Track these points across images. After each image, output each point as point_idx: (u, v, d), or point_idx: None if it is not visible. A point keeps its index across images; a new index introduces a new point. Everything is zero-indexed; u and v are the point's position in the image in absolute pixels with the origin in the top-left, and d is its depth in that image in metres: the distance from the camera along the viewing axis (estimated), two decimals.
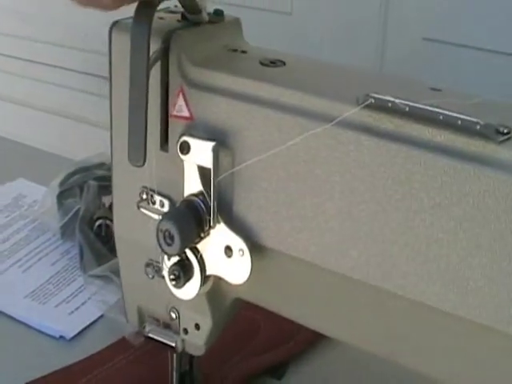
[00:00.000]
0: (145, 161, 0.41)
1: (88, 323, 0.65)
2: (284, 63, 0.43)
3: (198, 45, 0.43)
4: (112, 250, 0.72)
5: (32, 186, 0.87)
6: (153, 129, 0.43)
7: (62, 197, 0.77)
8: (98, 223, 0.74)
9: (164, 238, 0.41)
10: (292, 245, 0.41)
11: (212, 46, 0.44)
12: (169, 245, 0.41)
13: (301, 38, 0.81)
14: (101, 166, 0.80)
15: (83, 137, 1.00)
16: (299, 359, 0.62)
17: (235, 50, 0.44)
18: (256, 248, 0.42)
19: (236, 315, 0.50)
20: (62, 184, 0.78)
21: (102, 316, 0.66)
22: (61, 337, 0.64)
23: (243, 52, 0.44)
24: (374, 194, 0.37)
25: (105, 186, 0.78)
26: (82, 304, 0.68)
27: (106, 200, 0.78)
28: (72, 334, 0.64)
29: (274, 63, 0.42)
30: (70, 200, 0.76)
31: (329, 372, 0.61)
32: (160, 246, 0.41)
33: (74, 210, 0.75)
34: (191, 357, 0.53)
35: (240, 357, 0.61)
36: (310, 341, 0.63)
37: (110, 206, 0.77)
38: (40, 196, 0.81)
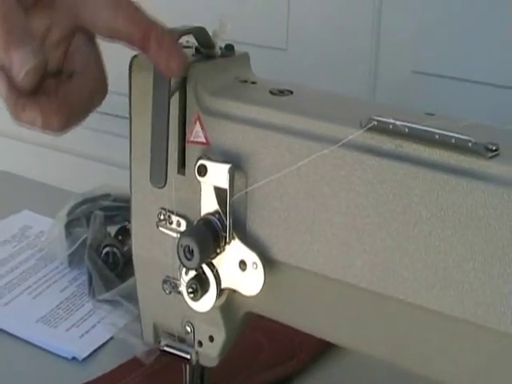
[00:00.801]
0: (165, 183, 0.45)
1: (99, 345, 0.68)
2: (291, 92, 0.47)
3: (213, 76, 0.47)
4: (119, 276, 0.75)
5: (37, 218, 0.90)
6: (171, 154, 0.47)
7: (69, 226, 0.80)
8: (105, 251, 0.77)
9: (184, 253, 0.44)
10: (302, 257, 0.44)
11: (225, 77, 0.48)
12: (188, 259, 0.44)
13: (296, 72, 0.85)
14: (106, 196, 0.83)
15: (83, 171, 1.04)
16: (303, 373, 0.65)
17: (245, 81, 0.48)
18: (268, 262, 0.45)
19: (246, 329, 0.53)
20: (69, 214, 0.81)
21: (112, 338, 0.69)
22: (73, 358, 0.66)
23: (253, 83, 0.48)
24: (376, 208, 0.41)
25: (110, 215, 0.82)
26: (92, 327, 0.70)
27: (111, 229, 0.81)
28: (84, 355, 0.67)
29: (282, 92, 0.47)
30: (77, 229, 0.79)
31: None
32: (180, 260, 0.44)
33: (82, 238, 0.78)
34: (202, 371, 0.56)
35: (246, 373, 0.64)
36: (313, 357, 0.66)
37: (116, 235, 0.81)
38: (46, 226, 0.84)
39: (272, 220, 0.45)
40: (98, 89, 0.44)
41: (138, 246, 0.51)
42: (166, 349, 0.52)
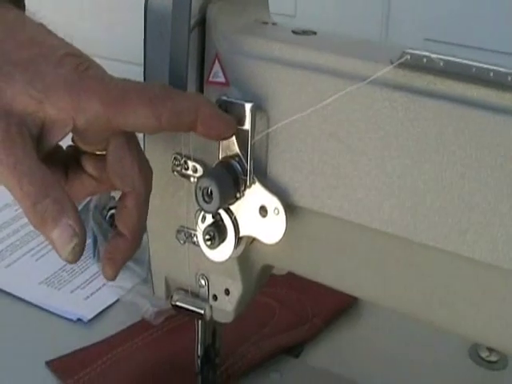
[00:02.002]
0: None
1: (105, 307, 0.66)
2: (315, 33, 0.45)
3: (233, 15, 0.44)
4: None
5: None
6: None
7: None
8: (110, 213, 0.75)
9: (202, 195, 0.42)
10: (326, 203, 0.42)
11: (245, 17, 0.45)
12: (207, 202, 0.42)
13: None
14: None
15: None
16: (316, 338, 0.63)
17: (266, 23, 0.46)
18: (290, 208, 0.43)
19: (263, 285, 0.51)
20: None
21: (118, 300, 0.67)
22: (78, 320, 0.64)
23: (274, 24, 0.46)
24: (406, 148, 0.39)
25: None
26: (98, 290, 0.68)
27: (115, 193, 0.79)
28: (89, 317, 0.65)
29: (305, 32, 0.44)
30: None
31: (346, 350, 0.62)
32: (198, 203, 0.42)
33: (85, 201, 0.76)
34: (214, 332, 0.54)
35: (257, 338, 0.62)
36: (326, 322, 0.64)
37: (120, 198, 0.78)
38: None
39: (295, 163, 0.42)
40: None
41: (151, 195, 0.49)
42: (179, 304, 0.50)
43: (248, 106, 0.42)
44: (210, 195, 0.42)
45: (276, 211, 0.43)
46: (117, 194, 0.77)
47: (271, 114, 0.42)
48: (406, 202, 0.40)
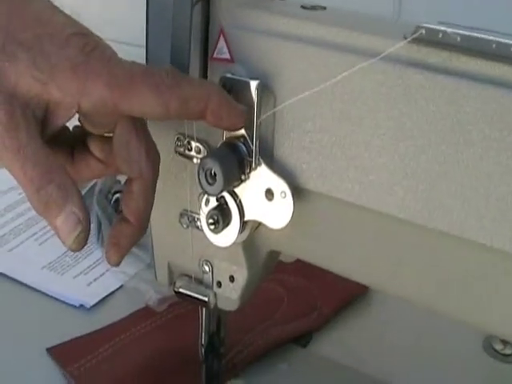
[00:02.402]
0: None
1: (108, 293, 0.64)
2: (324, 8, 0.43)
3: None
4: None
5: None
6: (191, 73, 0.43)
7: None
8: (115, 197, 0.73)
9: (206, 177, 0.40)
10: (335, 186, 0.40)
11: None
12: (210, 184, 0.40)
13: None
14: None
15: None
16: (324, 327, 0.61)
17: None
18: (297, 191, 0.41)
19: (270, 271, 0.49)
20: None
21: (121, 287, 0.65)
22: (81, 305, 0.63)
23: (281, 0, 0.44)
24: (421, 129, 0.37)
25: None
26: (101, 275, 0.67)
27: (121, 177, 0.77)
28: (92, 303, 0.63)
29: (314, 8, 0.42)
30: None
31: (355, 340, 0.60)
32: (201, 185, 0.40)
33: (90, 184, 0.74)
34: (219, 320, 0.53)
35: (264, 326, 0.60)
36: (335, 311, 0.62)
37: (126, 183, 0.76)
38: None
39: (303, 144, 0.40)
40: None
41: None
42: (182, 290, 0.48)
43: (253, 84, 0.40)
44: (214, 177, 0.40)
45: (283, 194, 0.41)
46: (122, 178, 0.76)
47: (278, 92, 0.40)
48: (419, 186, 0.38)
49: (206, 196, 0.43)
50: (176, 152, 0.44)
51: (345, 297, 0.63)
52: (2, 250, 0.70)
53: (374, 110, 0.38)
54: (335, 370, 0.57)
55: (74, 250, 0.37)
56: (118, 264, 0.42)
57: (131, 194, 0.40)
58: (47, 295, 0.64)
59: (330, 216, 0.41)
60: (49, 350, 0.58)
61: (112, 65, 0.37)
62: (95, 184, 0.74)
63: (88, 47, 0.37)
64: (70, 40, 0.37)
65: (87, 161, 0.42)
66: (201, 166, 0.40)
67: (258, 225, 0.44)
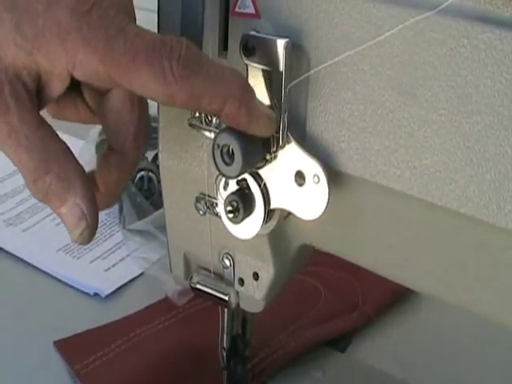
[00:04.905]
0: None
1: (126, 281, 0.59)
2: None
3: None
4: (154, 205, 0.65)
5: (73, 141, 0.81)
6: (209, 32, 0.36)
7: (101, 148, 0.70)
8: (139, 175, 0.67)
9: (222, 155, 0.33)
10: (381, 170, 0.33)
11: None
12: (227, 164, 0.33)
13: None
14: None
15: None
16: (365, 330, 0.54)
17: None
18: (333, 176, 0.34)
19: (302, 270, 0.42)
20: (101, 133, 0.71)
21: (141, 274, 0.59)
22: (95, 294, 0.57)
23: None
24: (490, 102, 0.29)
25: (150, 137, 0.71)
26: (120, 261, 0.61)
27: (149, 155, 0.71)
28: (108, 292, 0.57)
29: None
30: None
31: (400, 344, 0.53)
32: (216, 166, 0.33)
33: None
34: (244, 319, 0.46)
35: (297, 326, 0.54)
36: (378, 311, 0.55)
37: (154, 159, 0.70)
38: (77, 149, 0.74)
39: (341, 117, 0.33)
40: None
41: (166, 154, 0.40)
42: (199, 287, 0.42)
43: (281, 43, 0.32)
44: (231, 156, 0.33)
45: (316, 179, 0.33)
46: (149, 154, 0.70)
47: (312, 53, 0.33)
48: (486, 175, 0.30)
49: (224, 178, 0.36)
50: (191, 125, 0.37)
51: (390, 295, 0.56)
52: (16, 229, 0.65)
53: (431, 77, 0.30)
54: (377, 379, 0.50)
55: (80, 244, 0.34)
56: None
57: (107, 164, 0.35)
58: (60, 281, 0.59)
59: (373, 207, 0.34)
60: (56, 343, 0.52)
61: (111, 35, 0.31)
62: None
63: (83, 7, 0.31)
64: None
65: (76, 104, 0.36)
66: (216, 141, 0.33)
67: (288, 214, 0.37)
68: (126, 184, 0.37)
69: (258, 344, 0.49)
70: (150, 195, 0.66)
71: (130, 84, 0.31)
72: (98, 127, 0.72)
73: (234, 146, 0.32)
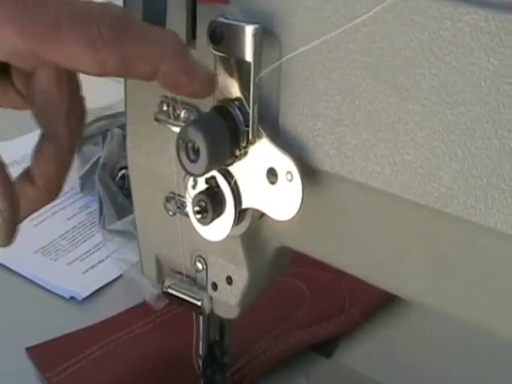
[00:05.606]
0: None
1: (104, 283, 0.56)
2: None
3: None
4: None
5: None
6: (175, 19, 0.33)
7: (82, 145, 0.68)
8: (121, 173, 0.64)
9: (186, 151, 0.31)
10: (359, 166, 0.30)
11: None
12: (192, 161, 0.30)
13: None
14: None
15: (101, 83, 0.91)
16: (352, 335, 0.51)
17: None
18: (308, 174, 0.31)
19: (282, 273, 0.40)
20: None
21: (120, 277, 0.57)
22: (71, 297, 0.55)
23: None
24: (477, 91, 0.27)
25: None
26: (99, 262, 0.59)
27: None
28: (84, 295, 0.55)
29: None
30: (89, 146, 0.66)
31: (388, 352, 0.50)
32: (181, 162, 0.31)
33: (95, 158, 0.66)
34: (222, 325, 0.43)
35: (280, 330, 0.51)
36: (366, 314, 0.53)
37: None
38: None
39: (316, 109, 0.30)
40: None
41: (134, 150, 0.38)
42: (171, 291, 0.39)
43: (250, 30, 0.30)
44: (197, 152, 0.30)
45: (289, 176, 0.31)
46: None
47: (284, 40, 0.30)
48: (474, 170, 0.27)
49: (192, 176, 0.33)
50: (158, 120, 0.35)
51: (379, 297, 0.53)
52: None
53: (412, 63, 0.28)
54: None
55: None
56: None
57: (42, 155, 0.32)
58: (35, 284, 0.56)
59: (350, 206, 0.31)
60: (28, 349, 0.50)
61: (30, 6, 0.28)
62: (99, 158, 0.65)
63: None
64: None
65: (6, 90, 0.33)
66: (180, 136, 0.31)
67: (262, 214, 0.34)
68: (67, 176, 0.34)
69: (238, 350, 0.46)
70: (130, 194, 0.63)
71: (55, 57, 0.29)
72: None
73: (199, 141, 0.30)
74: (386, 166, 0.29)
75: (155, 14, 0.33)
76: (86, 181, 0.67)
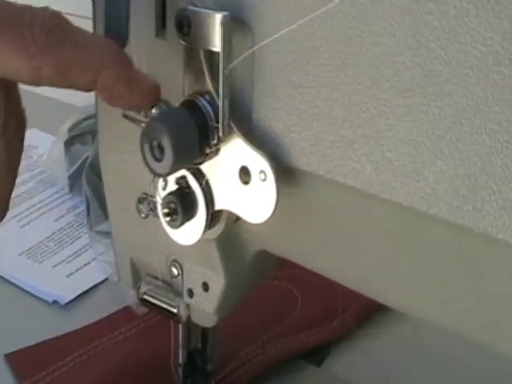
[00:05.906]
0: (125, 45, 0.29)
1: (88, 287, 0.54)
2: None
3: None
4: None
5: (44, 137, 0.76)
6: (145, 8, 0.31)
7: (70, 144, 0.66)
8: None
9: (151, 149, 0.28)
10: (337, 165, 0.28)
11: None
12: (157, 160, 0.28)
13: None
14: None
15: None
16: (345, 342, 0.49)
17: None
18: (284, 173, 0.29)
19: (264, 277, 0.38)
20: (71, 130, 0.66)
21: (106, 280, 0.55)
22: (54, 301, 0.53)
23: None
24: (464, 82, 0.24)
25: None
26: (85, 265, 0.56)
27: None
28: (68, 299, 0.53)
29: None
30: (78, 145, 0.64)
31: (381, 360, 0.48)
32: (145, 161, 0.29)
33: (83, 157, 0.64)
34: (204, 331, 0.41)
35: (268, 337, 0.49)
36: (359, 321, 0.50)
37: None
38: (48, 145, 0.70)
39: (291, 103, 0.28)
40: None
41: (105, 149, 0.36)
42: (147, 298, 0.37)
43: (218, 17, 0.27)
44: (162, 149, 0.28)
45: (262, 175, 0.29)
46: None
47: (256, 28, 0.28)
48: (461, 169, 0.25)
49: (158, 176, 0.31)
50: (125, 116, 0.32)
51: (373, 302, 0.50)
52: None
53: (393, 52, 0.25)
54: None
55: None
56: None
57: None
58: (18, 287, 0.54)
59: (329, 207, 0.29)
60: (7, 356, 0.48)
61: None
62: (87, 158, 0.63)
63: None
64: None
65: None
66: (144, 133, 0.28)
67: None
68: (9, 194, 0.31)
69: (223, 357, 0.44)
70: None
71: None
72: (68, 123, 0.68)
73: (164, 139, 0.28)
74: (367, 165, 0.27)
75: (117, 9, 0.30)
76: (74, 181, 0.65)
